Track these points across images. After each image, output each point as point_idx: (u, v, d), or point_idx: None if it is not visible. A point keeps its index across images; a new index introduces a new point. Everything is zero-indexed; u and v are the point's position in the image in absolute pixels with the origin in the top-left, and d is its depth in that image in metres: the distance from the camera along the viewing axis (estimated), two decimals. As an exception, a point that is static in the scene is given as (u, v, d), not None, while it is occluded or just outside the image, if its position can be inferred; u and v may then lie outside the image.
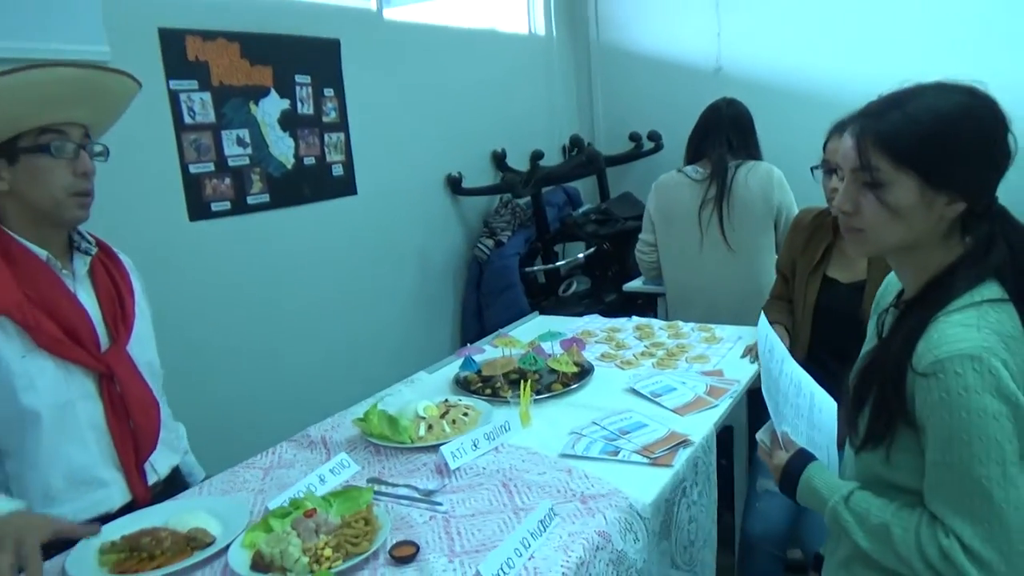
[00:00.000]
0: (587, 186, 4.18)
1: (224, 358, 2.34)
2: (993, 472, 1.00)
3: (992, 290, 1.08)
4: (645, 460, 1.48)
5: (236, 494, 1.50)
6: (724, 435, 2.15)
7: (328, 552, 1.18)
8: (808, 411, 1.37)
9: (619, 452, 1.52)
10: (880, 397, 1.12)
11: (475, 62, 3.54)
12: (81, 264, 1.49)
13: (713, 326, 2.34)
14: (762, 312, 1.57)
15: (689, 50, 3.92)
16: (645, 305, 3.27)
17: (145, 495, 1.50)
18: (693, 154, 2.66)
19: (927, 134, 1.06)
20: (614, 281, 3.43)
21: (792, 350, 2.11)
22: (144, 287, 1.63)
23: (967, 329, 1.04)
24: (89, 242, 1.52)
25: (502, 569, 1.12)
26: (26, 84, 1.32)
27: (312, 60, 2.65)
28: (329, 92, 2.72)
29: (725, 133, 2.58)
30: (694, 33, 3.89)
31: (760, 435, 1.33)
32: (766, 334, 1.41)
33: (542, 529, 1.24)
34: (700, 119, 2.67)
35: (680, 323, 2.40)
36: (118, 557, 1.26)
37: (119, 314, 1.51)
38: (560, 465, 1.49)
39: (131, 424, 1.48)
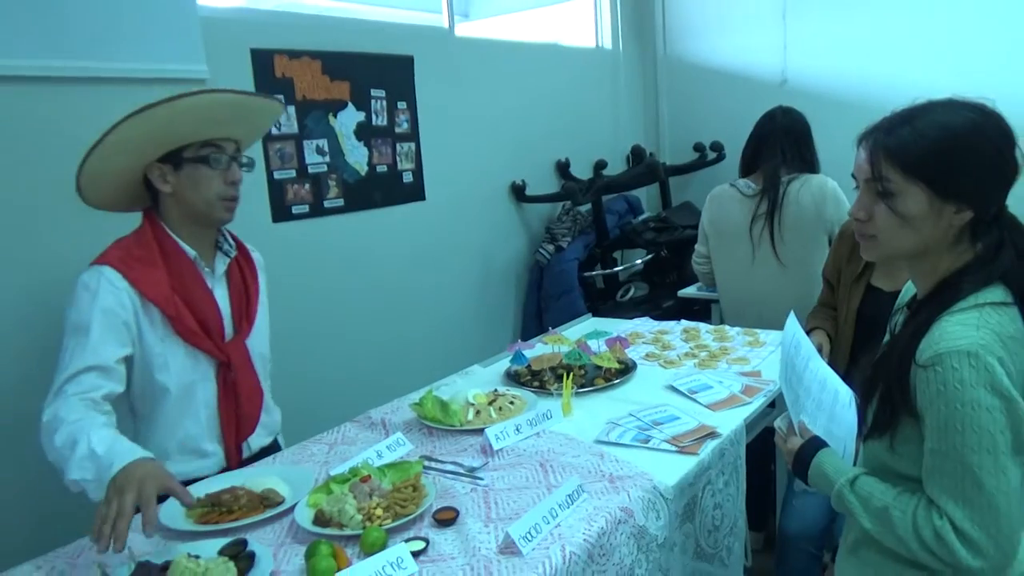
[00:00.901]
0: (650, 195, 4.28)
1: (302, 347, 2.55)
2: (985, 461, 1.08)
3: (996, 294, 1.15)
4: (673, 448, 1.60)
5: (304, 464, 1.68)
6: (765, 437, 2.23)
7: (379, 512, 1.35)
8: (831, 405, 1.45)
9: (650, 440, 1.63)
10: (886, 389, 1.20)
11: (542, 75, 3.69)
12: (221, 264, 1.74)
13: (758, 331, 2.41)
14: (791, 312, 1.64)
15: (755, 62, 3.97)
16: (701, 312, 3.34)
17: (235, 468, 1.71)
18: (747, 167, 2.66)
19: (935, 148, 1.14)
20: (671, 288, 3.51)
21: (834, 356, 2.18)
22: (267, 282, 1.87)
23: (966, 328, 1.12)
24: (231, 244, 1.76)
25: (530, 533, 1.26)
26: (194, 107, 1.57)
27: (387, 75, 2.85)
28: (402, 105, 2.93)
29: (779, 144, 2.56)
30: (760, 45, 3.93)
31: (778, 423, 1.42)
32: (793, 332, 1.50)
33: (570, 502, 1.37)
34: (754, 129, 2.67)
35: (727, 327, 2.49)
36: (202, 510, 1.45)
37: (244, 310, 1.75)
38: (594, 450, 1.61)
39: (237, 407, 1.71)
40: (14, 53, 1.86)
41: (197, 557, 1.22)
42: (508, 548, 1.24)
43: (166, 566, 1.21)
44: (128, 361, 1.60)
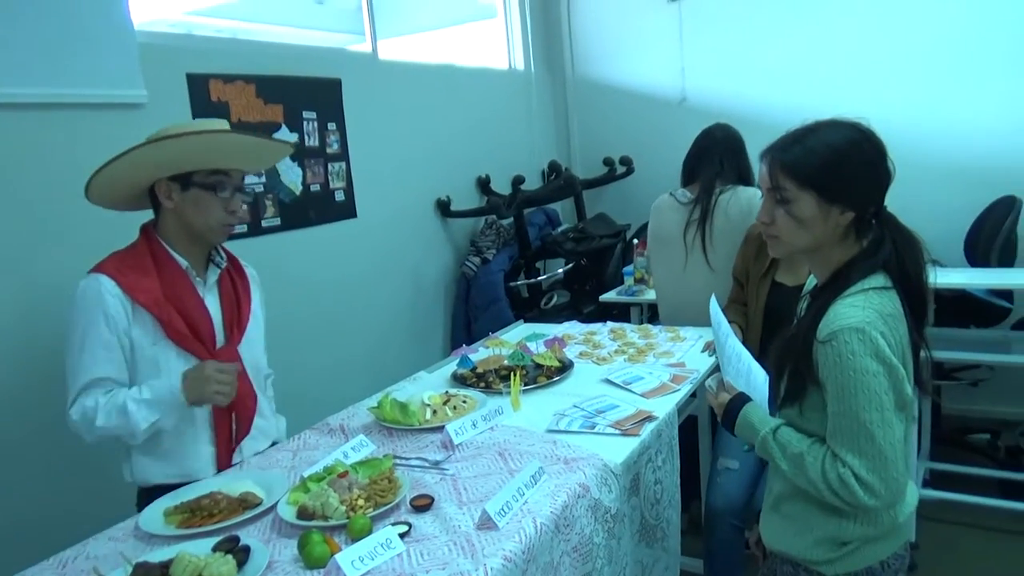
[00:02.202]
0: (565, 207, 4.51)
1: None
2: (874, 417, 1.31)
3: (879, 280, 1.39)
4: (617, 432, 1.78)
5: (271, 470, 1.76)
6: (690, 424, 2.46)
7: (361, 502, 1.46)
8: (746, 376, 1.67)
9: (596, 426, 1.81)
10: (795, 363, 1.43)
11: (462, 96, 3.86)
12: (213, 275, 1.83)
13: (678, 327, 2.64)
14: (712, 296, 1.84)
15: (657, 83, 4.28)
16: (620, 315, 3.57)
17: (227, 468, 1.80)
18: (687, 177, 2.81)
19: (822, 162, 1.38)
20: (591, 294, 3.74)
21: (746, 346, 2.42)
22: (263, 297, 1.98)
23: (855, 308, 1.35)
24: (222, 257, 1.86)
25: (503, 509, 1.41)
26: (216, 142, 1.69)
27: (317, 98, 2.95)
28: (332, 126, 3.02)
29: (718, 156, 2.71)
30: (661, 67, 4.24)
31: (709, 382, 1.63)
32: (715, 311, 1.73)
33: (533, 482, 1.52)
34: (693, 144, 2.80)
35: (649, 326, 2.71)
36: (182, 516, 1.52)
37: (235, 319, 1.85)
38: (547, 438, 1.77)
39: (231, 411, 1.79)
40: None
41: (196, 555, 1.29)
42: (485, 524, 1.38)
43: (166, 564, 1.28)
44: (128, 369, 1.71)
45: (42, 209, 2.02)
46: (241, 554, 1.32)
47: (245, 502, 1.55)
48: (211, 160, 1.72)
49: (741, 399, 1.55)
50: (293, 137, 2.85)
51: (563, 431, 1.81)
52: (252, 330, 1.90)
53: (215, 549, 1.34)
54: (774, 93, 3.91)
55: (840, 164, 1.38)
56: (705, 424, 2.51)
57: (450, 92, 3.78)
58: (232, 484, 1.63)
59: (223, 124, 1.76)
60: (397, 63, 3.47)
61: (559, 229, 3.96)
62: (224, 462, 1.82)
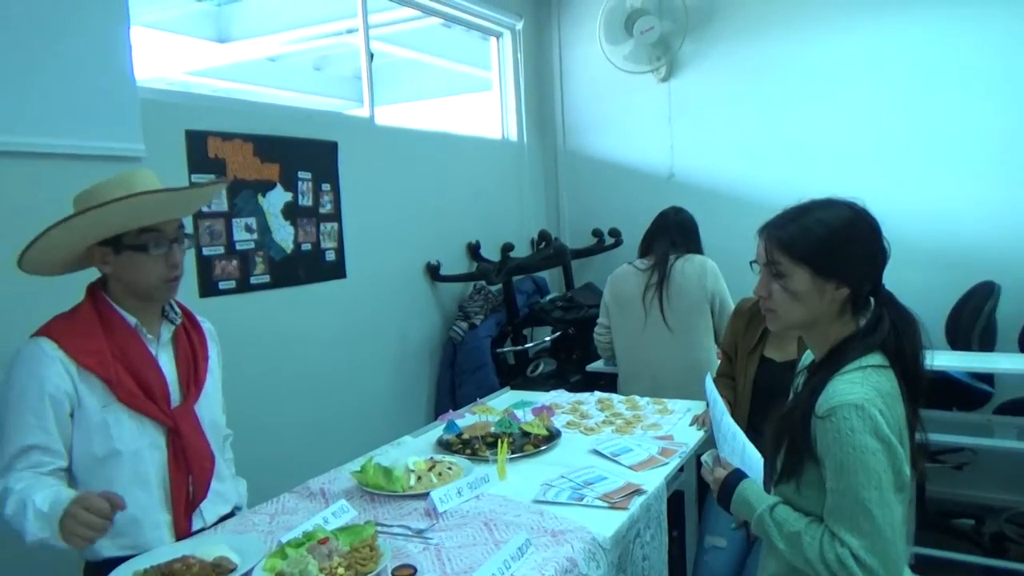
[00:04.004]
0: (554, 276, 4.53)
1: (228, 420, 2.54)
2: (873, 496, 1.29)
3: (876, 359, 1.40)
4: (605, 504, 1.74)
5: (248, 534, 1.70)
6: (676, 499, 2.42)
7: (341, 571, 1.41)
8: (740, 455, 1.66)
9: (584, 498, 1.77)
10: (792, 439, 1.42)
11: (455, 163, 3.92)
12: (167, 331, 1.75)
13: (666, 400, 2.63)
14: (708, 374, 1.87)
15: (646, 158, 4.38)
16: (608, 386, 3.55)
17: (186, 537, 1.69)
18: (644, 250, 3.09)
19: (816, 239, 1.41)
20: (578, 363, 3.72)
21: (735, 420, 2.42)
22: (219, 353, 1.89)
23: (854, 385, 1.35)
24: (176, 313, 1.78)
25: (488, 582, 1.36)
26: (137, 205, 1.58)
27: (313, 159, 2.98)
28: (326, 187, 3.05)
29: (671, 234, 3.01)
30: (650, 143, 4.35)
31: (704, 457, 1.61)
32: (711, 389, 1.75)
33: (520, 554, 1.48)
34: (651, 223, 3.11)
35: (637, 397, 2.69)
36: (152, 581, 1.46)
37: (192, 376, 1.76)
38: (533, 509, 1.73)
39: (189, 476, 1.70)
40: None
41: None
42: (470, 598, 1.33)
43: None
44: (69, 432, 1.61)
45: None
46: (210, 625, 1.26)
47: (219, 567, 1.49)
48: (135, 220, 1.61)
49: (737, 475, 1.54)
50: (287, 196, 2.86)
51: (550, 502, 1.77)
52: (210, 387, 1.82)
53: (183, 619, 1.28)
54: (760, 171, 4.01)
55: (834, 241, 1.40)
56: (692, 499, 2.47)
57: (444, 158, 3.84)
58: (206, 548, 1.57)
59: (146, 179, 1.65)
60: (393, 128, 3.53)
61: (547, 297, 3.97)
62: (183, 529, 1.71)
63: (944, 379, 3.10)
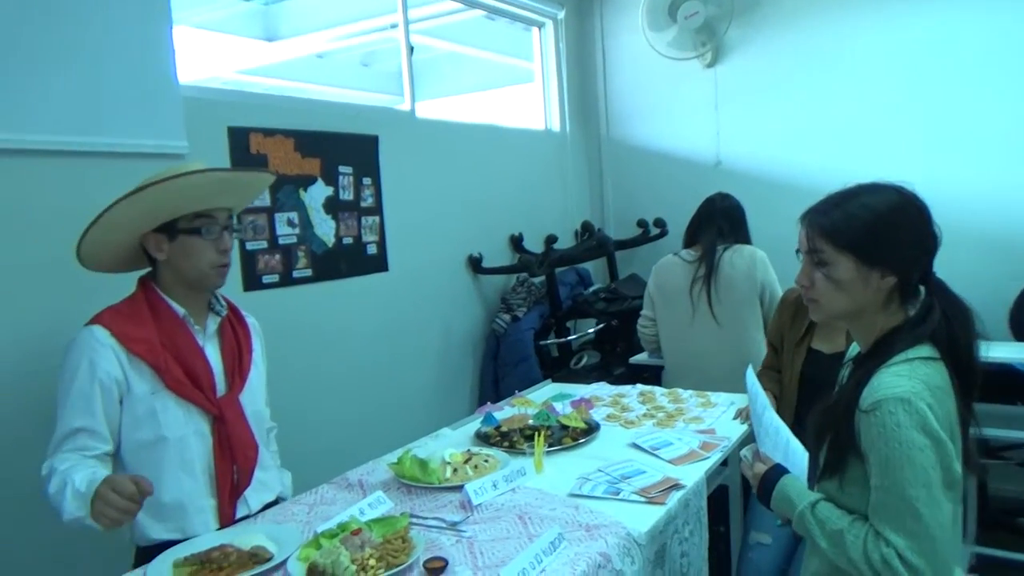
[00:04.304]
0: (598, 267, 4.49)
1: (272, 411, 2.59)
2: (921, 494, 1.23)
3: (925, 350, 1.33)
4: (642, 499, 1.71)
5: (286, 524, 1.72)
6: (720, 495, 2.36)
7: (373, 562, 1.41)
8: (784, 451, 1.61)
9: (620, 492, 1.74)
10: (835, 433, 1.36)
11: (497, 155, 3.90)
12: (212, 323, 1.81)
13: (709, 393, 2.57)
14: (749, 367, 1.82)
15: (691, 146, 4.29)
16: (651, 379, 3.49)
17: (229, 525, 1.74)
18: (689, 240, 2.98)
19: (860, 226, 1.34)
20: (622, 356, 3.67)
21: (781, 415, 2.35)
22: (263, 347, 1.95)
23: (900, 378, 1.29)
24: (222, 305, 1.84)
25: (519, 576, 1.35)
26: (190, 186, 1.66)
27: (354, 153, 3.00)
28: (367, 181, 3.07)
29: (717, 222, 2.89)
30: (696, 131, 4.26)
31: (743, 452, 1.57)
32: (752, 383, 1.69)
33: (552, 548, 1.46)
34: (697, 210, 3.00)
35: (680, 390, 2.64)
36: (191, 569, 1.48)
37: (237, 367, 1.81)
38: (568, 503, 1.71)
39: (233, 464, 1.75)
40: (1, 127, 1.93)
41: (196, 611, 1.25)
42: (500, 592, 1.32)
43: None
44: (117, 419, 1.67)
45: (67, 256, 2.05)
46: (244, 612, 1.27)
47: (256, 556, 1.51)
48: (189, 204, 1.69)
49: (778, 471, 1.49)
50: (328, 191, 2.89)
51: (586, 496, 1.74)
52: (254, 379, 1.87)
53: (218, 606, 1.29)
54: (809, 157, 3.89)
55: (879, 227, 1.34)
56: (736, 495, 2.42)
57: (486, 151, 3.83)
58: (244, 537, 1.59)
59: (198, 165, 1.72)
60: (434, 121, 3.53)
61: (590, 289, 3.93)
62: (227, 516, 1.76)
63: (1008, 372, 2.96)
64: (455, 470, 1.89)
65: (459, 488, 1.77)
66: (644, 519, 1.62)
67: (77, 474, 1.53)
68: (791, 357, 2.35)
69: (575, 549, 1.48)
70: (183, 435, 1.71)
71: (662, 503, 1.69)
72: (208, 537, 1.62)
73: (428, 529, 1.62)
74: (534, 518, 1.64)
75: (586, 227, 4.19)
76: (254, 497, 1.83)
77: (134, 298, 1.74)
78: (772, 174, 4.00)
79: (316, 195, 2.84)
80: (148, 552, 1.65)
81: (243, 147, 2.57)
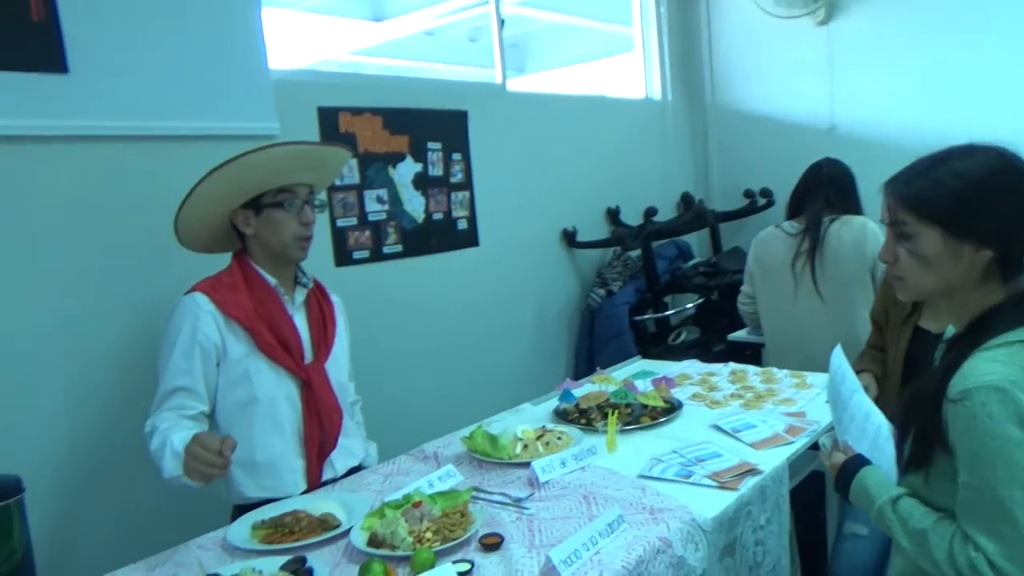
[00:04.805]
0: (701, 241, 4.33)
1: (361, 384, 2.67)
2: (1016, 495, 1.10)
3: None
4: (714, 484, 1.64)
5: (361, 492, 1.78)
6: (816, 481, 2.23)
7: (429, 535, 1.43)
8: (874, 436, 1.48)
9: (691, 476, 1.68)
10: (920, 424, 1.24)
11: (592, 126, 3.82)
12: (300, 294, 1.93)
13: (806, 373, 2.43)
14: (838, 345, 1.68)
15: (803, 110, 4.03)
16: (753, 356, 3.35)
17: (317, 485, 1.85)
18: (792, 210, 2.78)
19: (948, 195, 1.20)
20: (723, 332, 3.54)
21: (884, 397, 2.18)
22: (347, 324, 2.05)
23: (995, 364, 1.15)
24: (308, 279, 1.96)
25: (570, 558, 1.32)
26: (266, 159, 1.77)
27: (442, 129, 3.02)
28: (457, 156, 3.08)
29: (824, 191, 2.67)
30: (808, 94, 3.99)
31: (823, 440, 1.46)
32: (839, 363, 1.57)
33: (610, 531, 1.42)
34: (801, 177, 2.78)
35: (774, 369, 2.51)
36: (266, 532, 1.56)
37: (322, 338, 1.92)
38: (636, 484, 1.66)
39: (320, 425, 1.85)
40: (105, 115, 2.07)
41: (260, 572, 1.32)
42: (549, 572, 1.30)
43: (233, 579, 1.31)
44: (214, 380, 1.79)
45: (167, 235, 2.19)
46: (303, 576, 1.32)
47: (324, 523, 1.57)
48: (272, 179, 1.80)
49: (857, 461, 1.38)
50: (417, 167, 2.93)
51: (655, 478, 1.69)
52: (338, 351, 1.96)
53: (282, 568, 1.35)
54: (934, 121, 3.55)
55: (971, 195, 1.20)
56: (832, 484, 2.27)
57: (581, 122, 3.75)
58: (317, 504, 1.66)
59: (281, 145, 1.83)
60: (525, 94, 3.49)
61: (690, 263, 3.80)
62: (314, 476, 1.86)
63: None
64: (525, 446, 1.88)
65: (529, 464, 1.76)
66: (713, 505, 1.55)
67: (175, 435, 1.65)
68: (896, 336, 2.17)
69: (635, 532, 1.44)
70: (274, 397, 1.82)
71: (734, 489, 1.61)
72: (286, 502, 1.70)
73: (491, 504, 1.63)
74: (599, 498, 1.61)
75: (685, 199, 4.04)
76: (340, 461, 1.93)
77: (230, 269, 1.87)
78: (891, 139, 3.69)
79: (405, 172, 2.89)
80: (243, 509, 1.75)
81: (332, 126, 2.64)
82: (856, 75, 3.83)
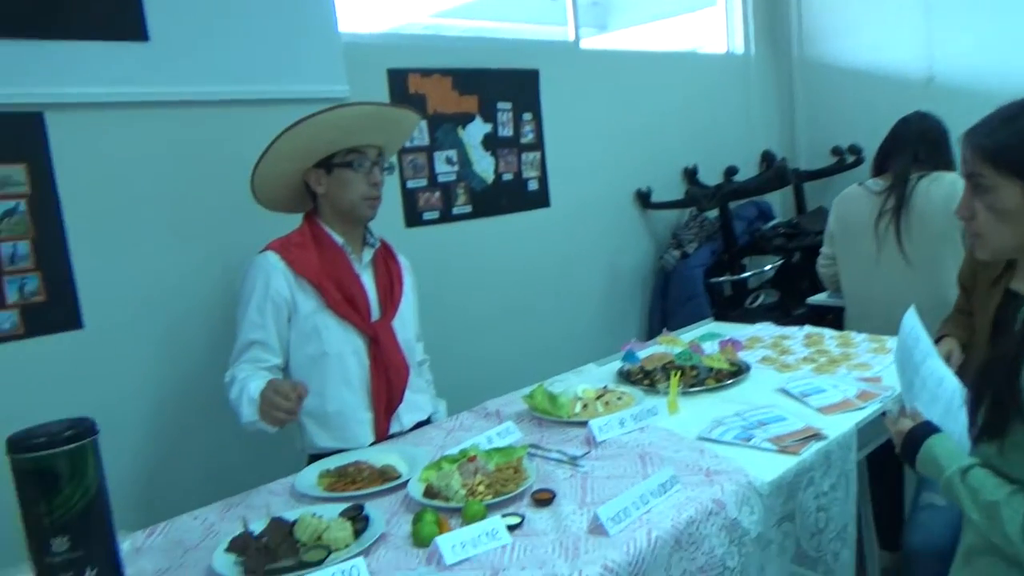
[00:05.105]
0: (786, 201, 4.17)
1: (430, 343, 2.74)
2: None
3: None
4: (774, 448, 1.60)
5: (423, 447, 1.83)
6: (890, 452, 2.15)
7: (482, 488, 1.46)
8: (947, 403, 1.41)
9: (752, 439, 1.64)
10: (997, 391, 1.17)
11: (669, 84, 3.71)
12: (367, 254, 2.00)
13: (886, 338, 2.32)
14: (911, 307, 1.60)
15: (897, 60, 3.78)
16: (835, 321, 3.22)
17: (384, 438, 1.94)
18: (878, 168, 2.64)
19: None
20: (803, 295, 3.41)
21: (967, 364, 2.06)
22: (414, 285, 2.12)
23: None
24: (376, 239, 2.03)
25: (618, 515, 1.32)
26: (338, 118, 1.85)
27: (513, 89, 3.00)
28: (527, 116, 3.06)
29: (912, 147, 2.52)
30: (903, 44, 3.74)
31: (890, 404, 1.40)
32: (912, 325, 1.49)
33: (662, 491, 1.42)
34: (889, 132, 2.63)
35: (853, 334, 2.41)
36: (330, 480, 1.63)
37: (389, 296, 1.99)
38: (695, 446, 1.64)
39: (387, 380, 1.93)
40: (183, 81, 2.16)
41: (321, 517, 1.38)
42: (596, 529, 1.31)
43: (295, 523, 1.38)
44: (286, 335, 1.88)
45: (248, 198, 2.26)
46: (360, 523, 1.38)
47: (385, 474, 1.62)
48: (342, 139, 1.86)
49: (927, 428, 1.31)
50: (487, 128, 2.93)
51: (714, 440, 1.66)
52: (405, 310, 2.01)
53: (341, 514, 1.41)
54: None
55: None
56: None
57: (657, 80, 3.65)
58: (380, 455, 1.72)
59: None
60: (599, 51, 3.43)
61: (770, 224, 3.66)
62: (382, 429, 1.93)
63: None
64: (585, 406, 1.89)
65: (587, 424, 1.77)
66: (771, 468, 1.51)
67: (252, 383, 1.75)
68: (984, 299, 2.04)
69: (688, 493, 1.42)
70: (342, 352, 1.90)
71: (795, 453, 1.57)
72: (352, 454, 1.77)
73: (547, 461, 1.64)
74: (655, 459, 1.60)
75: (766, 157, 3.89)
76: (407, 415, 2.00)
77: (300, 229, 1.95)
78: (997, 91, 3.36)
79: (474, 132, 2.89)
80: (315, 458, 1.84)
81: (402, 88, 2.66)
82: (957, 21, 3.56)
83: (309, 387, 1.76)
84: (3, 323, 1.95)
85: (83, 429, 1.08)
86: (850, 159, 3.89)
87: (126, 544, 1.31)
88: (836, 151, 3.98)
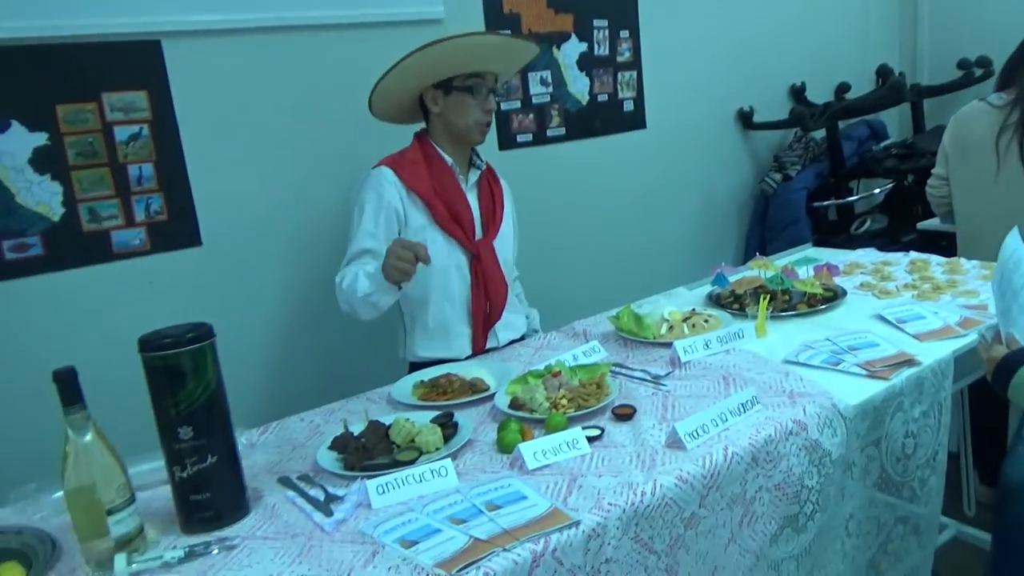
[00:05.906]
0: (903, 120, 3.91)
1: (524, 265, 2.79)
2: None
3: None
4: (863, 372, 1.57)
5: (510, 363, 1.90)
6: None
7: (564, 402, 1.52)
8: None
9: (840, 363, 1.62)
10: None
11: (778, -6, 3.50)
12: (474, 175, 2.09)
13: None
14: (1014, 229, 1.52)
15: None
16: (949, 248, 3.04)
17: (481, 352, 2.04)
18: (1003, 82, 2.46)
19: None
20: (915, 221, 3.23)
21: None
22: (513, 207, 2.19)
23: None
24: (482, 161, 2.11)
25: (696, 431, 1.36)
26: (468, 45, 1.93)
27: (609, 6, 2.92)
28: (624, 34, 2.98)
29: None
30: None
31: (983, 330, 1.36)
32: (1015, 247, 1.43)
33: (742, 410, 1.43)
34: (1018, 46, 2.43)
35: (962, 260, 2.29)
36: (424, 390, 1.74)
37: (491, 217, 2.08)
38: (780, 369, 1.64)
39: (486, 297, 2.03)
40: (286, 7, 2.24)
41: (413, 423, 1.48)
42: (674, 443, 1.35)
43: (390, 426, 1.49)
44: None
45: (349, 117, 2.34)
46: (450, 429, 1.47)
47: (474, 386, 1.71)
48: (465, 64, 1.93)
49: (1021, 355, 1.27)
50: (582, 47, 2.87)
51: (801, 364, 1.65)
52: (506, 230, 2.10)
53: (432, 421, 1.51)
54: None
55: None
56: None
57: (765, -10, 3.45)
58: (470, 369, 1.81)
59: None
60: (703, -39, 3.25)
61: (882, 144, 3.46)
62: (479, 344, 2.04)
63: None
64: (671, 327, 1.90)
65: (672, 345, 1.79)
66: (857, 392, 1.50)
67: (364, 268, 1.86)
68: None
69: (768, 414, 1.44)
70: (446, 267, 1.99)
71: (885, 378, 1.54)
72: (454, 364, 1.87)
73: (631, 380, 1.68)
74: (739, 380, 1.61)
75: (881, 72, 3.63)
76: (503, 332, 2.10)
77: (412, 148, 2.04)
78: None
79: (570, 52, 2.85)
80: (416, 367, 1.98)
81: (496, 7, 2.64)
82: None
83: (413, 300, 1.94)
84: (133, 239, 2.13)
85: (202, 332, 1.21)
86: (978, 73, 3.59)
87: (242, 439, 1.47)
88: (963, 64, 3.67)
